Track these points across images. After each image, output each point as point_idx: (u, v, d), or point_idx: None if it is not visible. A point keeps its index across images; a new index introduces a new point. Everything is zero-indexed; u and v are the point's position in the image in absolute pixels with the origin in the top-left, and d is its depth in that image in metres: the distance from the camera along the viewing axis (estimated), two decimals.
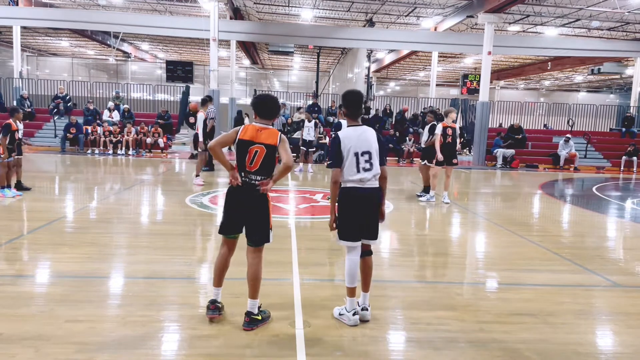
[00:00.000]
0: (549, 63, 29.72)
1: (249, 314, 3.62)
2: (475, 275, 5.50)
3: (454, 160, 9.59)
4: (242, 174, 3.62)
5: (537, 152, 20.21)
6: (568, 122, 22.77)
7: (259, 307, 3.71)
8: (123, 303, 4.10)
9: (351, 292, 3.75)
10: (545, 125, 24.65)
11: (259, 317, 3.65)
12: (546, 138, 21.50)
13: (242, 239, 3.77)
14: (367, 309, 3.82)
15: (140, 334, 3.49)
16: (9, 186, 8.51)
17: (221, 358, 3.22)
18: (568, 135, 19.63)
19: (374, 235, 3.80)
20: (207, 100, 11.53)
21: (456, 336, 3.66)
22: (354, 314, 3.73)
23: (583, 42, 23.31)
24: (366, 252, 3.84)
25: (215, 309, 3.70)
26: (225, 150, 3.87)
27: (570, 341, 3.69)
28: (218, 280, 3.76)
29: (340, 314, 3.81)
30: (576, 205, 11.32)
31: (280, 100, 23.80)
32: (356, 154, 3.65)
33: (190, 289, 4.53)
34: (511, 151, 19.09)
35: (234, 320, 3.73)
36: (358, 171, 3.66)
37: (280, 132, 3.67)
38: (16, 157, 8.70)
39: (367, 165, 3.67)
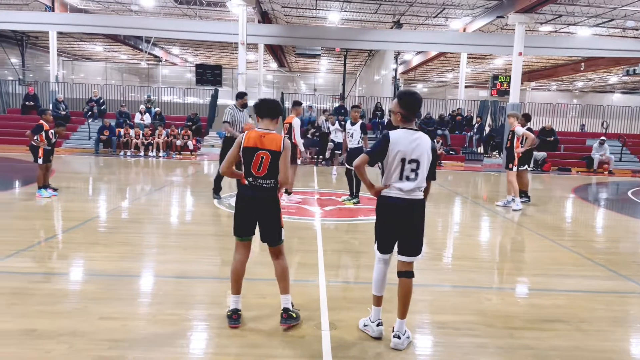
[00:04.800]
0: (582, 64, 28.99)
1: (286, 310, 3.65)
2: (505, 280, 5.41)
3: (509, 165, 9.36)
4: (250, 178, 3.64)
5: (569, 154, 19.72)
6: (602, 124, 22.15)
7: (292, 305, 3.74)
8: (153, 301, 4.18)
9: (376, 300, 3.57)
10: (581, 126, 24.01)
11: (294, 315, 3.68)
12: (579, 140, 20.97)
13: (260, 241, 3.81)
14: (399, 337, 3.41)
15: (170, 332, 3.55)
16: (45, 187, 8.79)
17: (248, 358, 3.25)
18: (602, 137, 19.10)
19: (414, 251, 3.44)
20: (300, 103, 9.96)
21: (485, 342, 3.60)
22: (377, 325, 3.54)
23: (618, 42, 22.67)
24: (405, 273, 3.45)
25: (237, 318, 3.66)
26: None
27: (604, 349, 3.58)
28: (237, 287, 3.73)
29: (364, 325, 3.63)
30: (610, 210, 10.99)
31: (307, 103, 23.94)
32: (403, 160, 3.32)
33: (218, 288, 4.58)
34: (542, 154, 18.66)
35: (261, 320, 3.76)
36: (400, 179, 3.35)
37: (284, 138, 3.67)
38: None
39: (412, 175, 3.34)
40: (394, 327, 3.48)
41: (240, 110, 8.61)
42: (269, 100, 3.79)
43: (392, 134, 3.38)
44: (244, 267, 3.74)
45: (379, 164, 3.48)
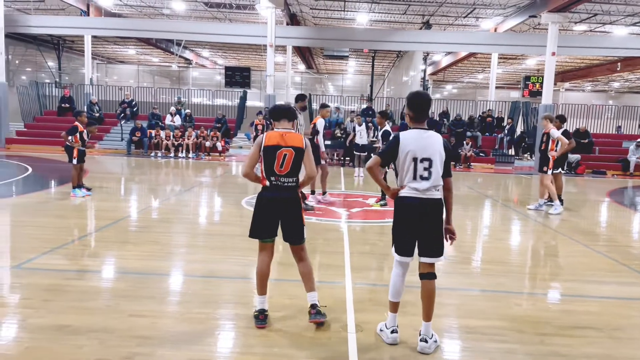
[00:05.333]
0: (619, 64, 28.11)
1: (313, 306, 3.67)
2: (536, 285, 5.29)
3: (544, 168, 9.11)
4: (272, 178, 3.66)
5: (605, 157, 19.15)
6: (639, 126, 21.43)
7: (319, 304, 3.75)
8: (182, 300, 4.25)
9: (392, 306, 3.51)
10: (618, 128, 23.27)
11: (322, 311, 3.69)
12: (615, 143, 20.34)
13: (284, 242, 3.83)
14: (426, 341, 3.38)
15: (198, 330, 3.61)
16: (79, 186, 9.04)
17: (274, 358, 3.27)
18: (639, 139, 18.48)
19: (435, 253, 3.39)
20: (327, 105, 9.67)
21: (514, 347, 3.53)
22: (392, 332, 3.47)
23: None
24: (427, 275, 3.40)
25: (264, 318, 3.68)
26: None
27: (638, 357, 3.47)
28: (263, 288, 3.75)
29: (380, 330, 3.58)
30: None
31: (335, 105, 23.93)
32: (415, 159, 3.31)
33: (245, 288, 4.62)
34: (577, 156, 18.16)
35: (288, 321, 3.78)
36: (414, 178, 3.33)
37: (304, 136, 3.80)
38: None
39: (426, 174, 3.31)
40: (420, 331, 3.45)
41: (299, 113, 8.04)
42: (283, 105, 3.98)
43: (402, 134, 3.40)
44: (269, 268, 3.78)
45: (392, 165, 3.48)
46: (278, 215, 3.71)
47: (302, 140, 3.68)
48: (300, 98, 8.37)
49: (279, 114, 3.82)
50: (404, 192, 3.40)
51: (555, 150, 8.91)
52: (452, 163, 3.60)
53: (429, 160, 3.32)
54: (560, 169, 9.29)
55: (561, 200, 9.51)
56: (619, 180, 16.72)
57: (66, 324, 3.61)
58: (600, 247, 6.75)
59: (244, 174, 3.76)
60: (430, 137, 3.37)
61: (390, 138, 3.52)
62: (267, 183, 3.69)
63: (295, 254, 3.82)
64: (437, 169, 3.34)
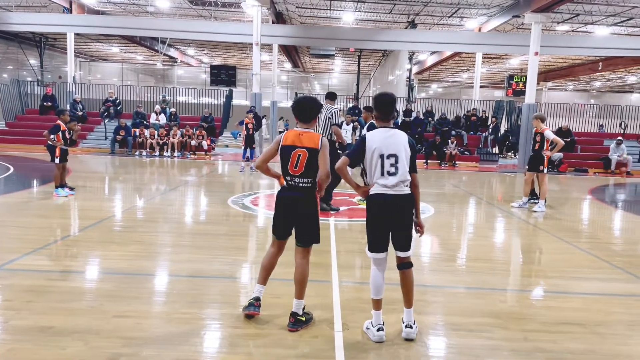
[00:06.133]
0: (600, 63, 28.58)
1: (294, 314, 3.66)
2: (520, 282, 5.35)
3: (540, 167, 9.23)
4: (288, 177, 3.68)
5: (586, 155, 19.46)
6: (620, 124, 21.80)
7: (304, 308, 3.73)
8: (168, 300, 4.22)
9: (375, 304, 3.56)
10: (600, 127, 23.65)
11: (303, 319, 3.68)
12: (597, 141, 20.68)
13: (291, 240, 3.83)
14: (411, 327, 3.55)
15: (184, 330, 3.58)
16: (62, 186, 8.92)
17: (261, 357, 3.26)
18: (620, 138, 18.80)
19: (405, 247, 3.53)
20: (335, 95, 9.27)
21: (499, 344, 3.57)
22: (378, 330, 3.50)
23: (637, 42, 22.26)
24: (403, 265, 3.57)
25: (258, 306, 3.72)
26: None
27: (621, 353, 3.53)
28: (264, 278, 3.80)
29: (367, 328, 3.60)
30: (628, 212, 10.82)
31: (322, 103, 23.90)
32: (381, 156, 3.45)
33: (231, 288, 4.61)
34: (559, 154, 18.41)
35: (274, 320, 3.77)
36: (382, 175, 3.46)
37: (321, 136, 3.68)
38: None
39: (392, 170, 3.45)
40: (403, 319, 3.59)
41: (330, 110, 8.10)
42: (306, 103, 3.75)
43: (368, 134, 3.57)
44: (274, 261, 3.83)
45: (362, 165, 3.60)
46: (291, 215, 3.71)
47: (318, 141, 3.62)
48: (329, 97, 8.51)
49: (297, 113, 3.73)
50: (374, 190, 3.51)
51: (550, 150, 9.08)
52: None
53: (395, 156, 3.47)
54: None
55: (536, 197, 9.62)
56: (600, 178, 16.99)
57: (49, 325, 3.56)
58: (582, 244, 6.85)
59: (256, 166, 3.85)
60: (395, 135, 3.54)
61: (358, 139, 3.65)
62: (285, 183, 3.70)
63: (297, 256, 3.75)
64: (404, 164, 3.48)
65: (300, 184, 3.65)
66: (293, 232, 3.77)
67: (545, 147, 9.06)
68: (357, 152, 3.53)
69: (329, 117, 8.02)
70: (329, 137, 7.90)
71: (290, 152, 3.62)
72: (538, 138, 9.16)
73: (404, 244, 3.53)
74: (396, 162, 3.46)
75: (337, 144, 8.24)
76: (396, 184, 3.46)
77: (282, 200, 3.74)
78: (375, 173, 3.49)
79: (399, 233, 3.53)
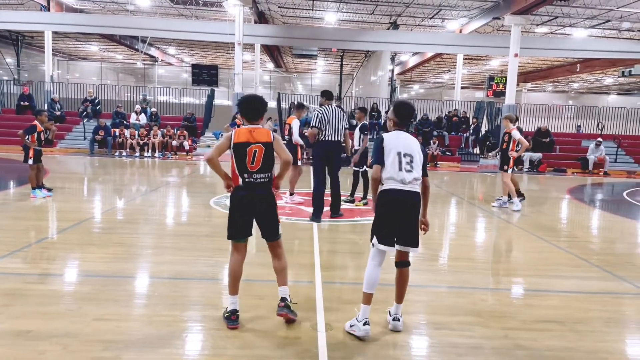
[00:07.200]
0: (578, 65, 29.14)
1: (283, 299, 3.69)
2: (500, 281, 5.41)
3: (505, 167, 9.36)
4: (245, 175, 3.66)
5: (565, 155, 19.81)
6: (598, 125, 22.25)
7: (290, 300, 3.75)
8: (148, 302, 4.16)
9: (366, 298, 3.58)
10: (578, 127, 24.10)
11: (295, 302, 3.71)
12: (575, 142, 21.06)
13: (262, 241, 3.81)
14: (399, 319, 3.71)
15: (165, 333, 3.54)
16: (39, 187, 8.74)
17: (243, 359, 3.24)
18: (599, 139, 19.17)
19: (414, 242, 3.65)
20: (303, 106, 10.30)
21: (480, 342, 3.60)
22: (364, 324, 3.52)
23: (613, 44, 22.79)
24: (403, 263, 3.72)
25: (236, 319, 3.65)
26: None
27: (599, 349, 3.59)
28: (235, 288, 3.72)
29: (351, 326, 3.60)
30: (606, 211, 11.04)
31: (304, 103, 23.88)
32: (399, 154, 3.59)
33: (213, 289, 4.57)
34: (538, 155, 18.73)
35: (256, 321, 3.75)
36: (400, 169, 3.57)
37: (271, 131, 3.75)
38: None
39: (409, 167, 3.59)
40: (390, 311, 3.77)
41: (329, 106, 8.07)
42: (254, 101, 3.77)
43: (385, 135, 3.72)
44: (241, 268, 3.77)
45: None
46: (252, 213, 3.70)
47: (270, 135, 3.68)
48: (325, 95, 8.36)
49: (244, 111, 3.76)
50: (388, 185, 3.61)
51: (516, 151, 9.19)
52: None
53: (411, 156, 3.63)
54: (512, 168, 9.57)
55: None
56: (578, 177, 17.31)
57: (27, 329, 3.48)
58: (561, 243, 6.96)
59: (208, 157, 3.69)
60: (410, 138, 3.74)
61: (375, 142, 3.72)
62: (240, 182, 3.67)
63: (271, 250, 3.82)
64: (418, 165, 3.65)
65: (259, 180, 3.66)
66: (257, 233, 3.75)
67: (511, 148, 9.21)
68: (379, 153, 3.65)
69: (330, 118, 7.74)
70: (342, 140, 7.80)
71: (246, 148, 3.61)
72: (506, 137, 9.30)
73: (413, 240, 3.65)
74: (412, 161, 3.62)
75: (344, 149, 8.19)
76: (411, 181, 3.59)
77: (239, 200, 3.69)
78: (391, 168, 3.59)
79: (407, 229, 3.63)
